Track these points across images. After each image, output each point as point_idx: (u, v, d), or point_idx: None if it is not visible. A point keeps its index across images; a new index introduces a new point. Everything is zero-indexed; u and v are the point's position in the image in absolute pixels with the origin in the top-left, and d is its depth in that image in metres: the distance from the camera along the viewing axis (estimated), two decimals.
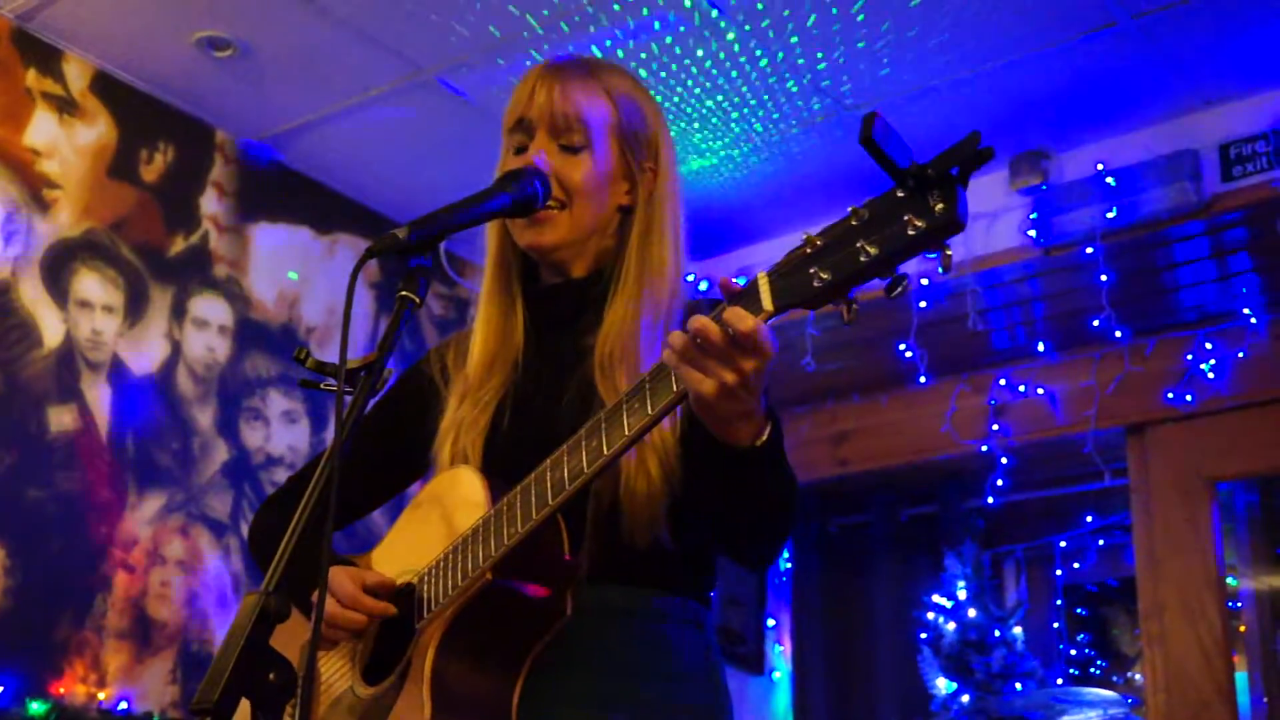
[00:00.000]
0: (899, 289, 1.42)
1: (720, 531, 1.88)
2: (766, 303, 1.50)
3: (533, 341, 2.07)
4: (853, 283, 1.43)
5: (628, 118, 2.07)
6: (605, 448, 1.66)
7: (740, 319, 1.50)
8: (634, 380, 1.77)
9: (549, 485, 1.71)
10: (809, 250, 1.46)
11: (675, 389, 1.59)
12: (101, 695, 4.04)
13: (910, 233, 1.36)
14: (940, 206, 1.35)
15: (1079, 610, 6.13)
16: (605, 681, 1.84)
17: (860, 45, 4.14)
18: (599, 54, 4.19)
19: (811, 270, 1.45)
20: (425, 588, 1.85)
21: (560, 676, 1.82)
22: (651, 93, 2.18)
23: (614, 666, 1.85)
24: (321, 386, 1.72)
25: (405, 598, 1.89)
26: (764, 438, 1.67)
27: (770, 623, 6.08)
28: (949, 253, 1.38)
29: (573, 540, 1.80)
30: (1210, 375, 4.75)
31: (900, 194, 1.38)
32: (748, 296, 1.52)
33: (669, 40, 4.15)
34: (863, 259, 1.40)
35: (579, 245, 2.04)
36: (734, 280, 1.55)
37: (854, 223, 1.42)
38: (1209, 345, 4.78)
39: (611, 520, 1.86)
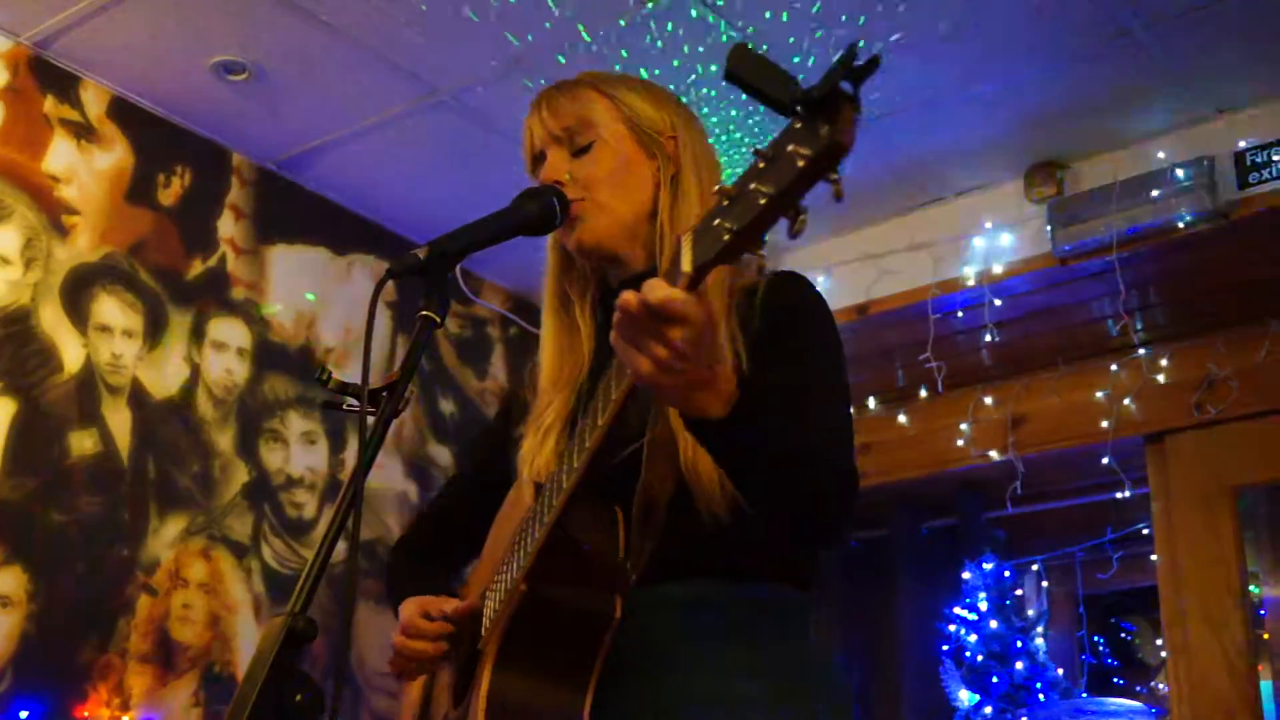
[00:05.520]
0: (796, 225, 1.30)
1: (757, 511, 1.74)
2: (686, 265, 1.40)
3: (597, 350, 2.04)
4: (757, 228, 1.32)
5: (628, 104, 2.04)
6: (587, 439, 1.63)
7: (652, 289, 1.41)
8: None
9: (559, 486, 1.68)
10: (721, 203, 1.35)
11: (629, 372, 1.52)
12: (126, 718, 4.05)
13: (799, 164, 1.24)
14: (825, 129, 1.22)
15: (1100, 620, 6.10)
16: (693, 682, 1.74)
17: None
18: (616, 68, 4.20)
19: (718, 223, 1.34)
20: (488, 605, 1.83)
21: (638, 682, 1.74)
22: (652, 81, 2.15)
23: (699, 666, 1.75)
24: (344, 408, 1.69)
25: (477, 618, 1.87)
26: (734, 402, 1.56)
27: None
28: (836, 178, 1.26)
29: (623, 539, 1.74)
30: (1230, 382, 4.72)
31: (797, 125, 1.26)
32: (674, 263, 1.43)
33: (680, 52, 4.17)
34: (761, 201, 1.29)
35: (624, 233, 1.99)
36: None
37: (759, 165, 1.31)
38: (1227, 352, 4.75)
39: (682, 507, 1.77)
